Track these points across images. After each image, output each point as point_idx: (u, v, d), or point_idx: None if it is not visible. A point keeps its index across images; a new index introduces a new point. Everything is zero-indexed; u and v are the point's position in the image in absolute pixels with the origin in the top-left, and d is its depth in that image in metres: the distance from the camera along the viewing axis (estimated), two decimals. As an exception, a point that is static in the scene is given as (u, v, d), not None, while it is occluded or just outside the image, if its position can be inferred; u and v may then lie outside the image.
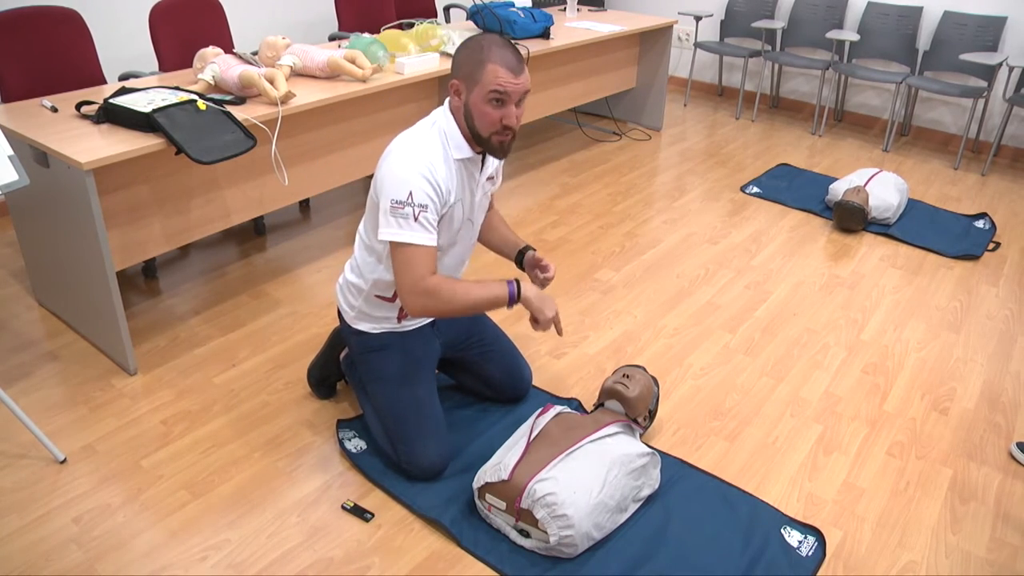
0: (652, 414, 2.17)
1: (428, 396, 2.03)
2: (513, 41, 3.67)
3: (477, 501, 1.90)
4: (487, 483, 1.85)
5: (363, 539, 1.86)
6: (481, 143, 1.84)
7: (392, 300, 2.00)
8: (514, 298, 1.86)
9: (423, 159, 1.78)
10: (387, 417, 2.02)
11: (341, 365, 2.27)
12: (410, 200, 1.75)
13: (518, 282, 1.87)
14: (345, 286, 2.07)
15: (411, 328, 2.07)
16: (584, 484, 1.79)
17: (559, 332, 1.95)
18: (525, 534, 1.82)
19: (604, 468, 1.84)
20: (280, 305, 2.81)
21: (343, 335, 2.15)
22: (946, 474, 2.14)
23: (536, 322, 1.91)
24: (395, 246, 1.79)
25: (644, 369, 2.22)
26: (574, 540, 1.75)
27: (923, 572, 1.84)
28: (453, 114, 1.85)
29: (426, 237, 1.78)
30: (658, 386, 2.22)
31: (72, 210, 2.22)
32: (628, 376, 2.13)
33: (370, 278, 1.97)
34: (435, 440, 1.99)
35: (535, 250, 2.15)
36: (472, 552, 1.82)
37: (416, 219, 1.76)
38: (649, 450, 1.96)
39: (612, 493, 1.83)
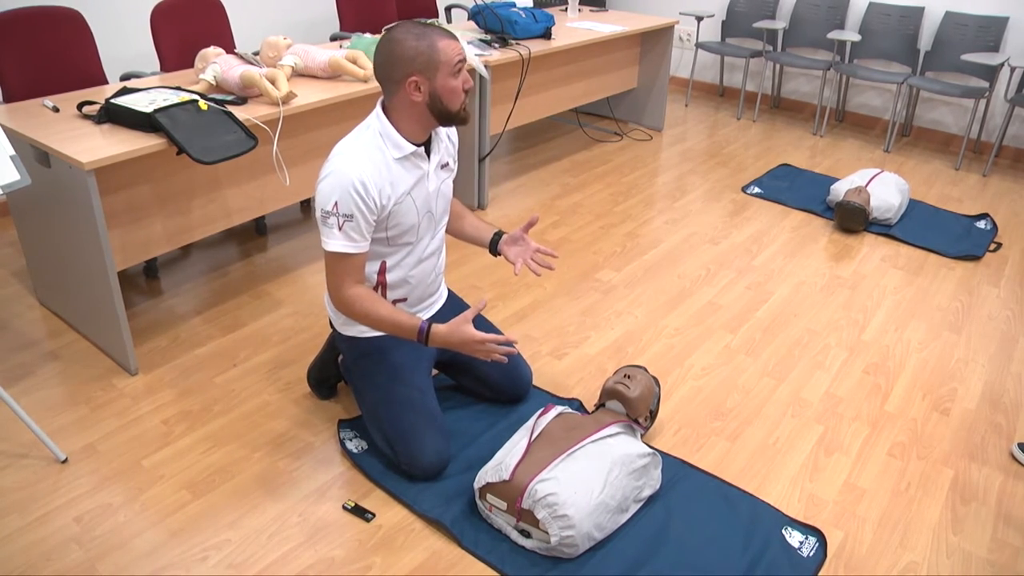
0: (653, 414, 2.17)
1: (422, 396, 2.03)
2: (514, 41, 3.68)
3: (478, 501, 1.90)
4: (488, 483, 1.85)
5: (364, 539, 1.86)
6: (450, 119, 1.88)
7: None
8: (423, 336, 1.86)
9: (351, 169, 1.80)
10: (382, 420, 2.02)
11: (340, 367, 2.27)
12: (335, 210, 1.80)
13: (430, 325, 1.86)
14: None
15: None
16: (585, 484, 1.79)
17: (503, 352, 1.86)
18: (526, 534, 1.82)
19: (605, 468, 1.84)
20: (281, 305, 2.82)
21: (336, 342, 2.16)
22: (947, 475, 2.14)
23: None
24: (325, 253, 1.86)
25: (645, 369, 2.22)
26: (575, 540, 1.75)
27: (924, 572, 1.84)
28: (390, 114, 1.87)
29: (349, 246, 1.84)
30: (659, 386, 2.22)
31: (73, 210, 2.23)
32: (629, 376, 2.13)
33: None
34: (432, 438, 1.99)
35: (507, 232, 2.15)
36: (473, 552, 1.82)
37: (340, 228, 1.81)
38: (650, 450, 1.96)
39: (613, 493, 1.83)
